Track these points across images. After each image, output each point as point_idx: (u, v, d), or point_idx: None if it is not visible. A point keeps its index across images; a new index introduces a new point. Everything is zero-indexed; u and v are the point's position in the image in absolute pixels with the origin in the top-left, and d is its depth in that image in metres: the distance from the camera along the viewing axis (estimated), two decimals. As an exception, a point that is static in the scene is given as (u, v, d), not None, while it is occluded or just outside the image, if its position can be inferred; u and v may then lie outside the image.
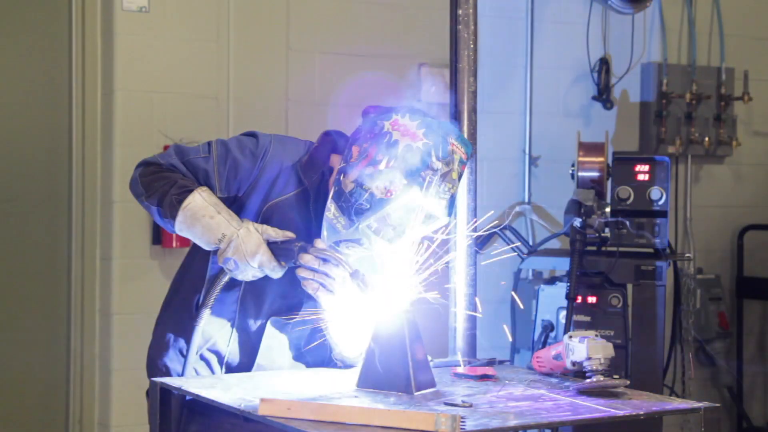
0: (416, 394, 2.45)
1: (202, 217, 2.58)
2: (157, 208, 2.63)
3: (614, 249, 4.42)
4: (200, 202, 2.60)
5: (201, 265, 2.71)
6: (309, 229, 2.68)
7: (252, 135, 2.73)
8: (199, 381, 2.59)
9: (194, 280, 2.72)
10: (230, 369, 2.71)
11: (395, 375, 2.47)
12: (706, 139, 5.76)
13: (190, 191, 2.61)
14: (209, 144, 2.71)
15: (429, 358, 2.61)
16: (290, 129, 4.78)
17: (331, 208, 2.55)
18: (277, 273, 2.59)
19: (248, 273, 2.59)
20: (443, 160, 2.49)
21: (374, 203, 2.49)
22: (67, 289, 4.66)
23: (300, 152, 2.73)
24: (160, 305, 2.82)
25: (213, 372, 2.71)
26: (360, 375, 2.51)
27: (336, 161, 2.65)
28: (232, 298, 2.68)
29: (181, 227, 2.61)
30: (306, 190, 2.69)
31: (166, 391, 2.56)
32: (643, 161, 4.52)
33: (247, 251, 2.56)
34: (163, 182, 2.64)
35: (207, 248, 2.61)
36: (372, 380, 2.48)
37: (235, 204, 2.68)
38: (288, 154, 2.70)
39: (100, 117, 4.55)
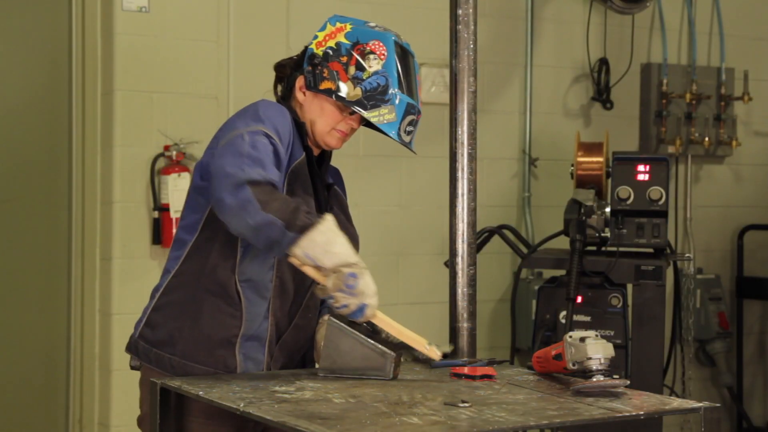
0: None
1: (342, 236, 2.58)
2: (283, 223, 2.53)
3: (614, 249, 4.43)
4: (335, 226, 2.60)
5: (224, 251, 2.72)
6: (316, 191, 2.81)
7: (259, 129, 2.70)
8: (199, 381, 2.59)
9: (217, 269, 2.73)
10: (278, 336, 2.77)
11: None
12: (706, 139, 5.76)
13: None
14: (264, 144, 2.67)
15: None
16: (290, 129, 4.78)
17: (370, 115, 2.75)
18: (362, 320, 2.62)
19: (351, 299, 2.56)
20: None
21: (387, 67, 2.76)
22: (67, 289, 4.66)
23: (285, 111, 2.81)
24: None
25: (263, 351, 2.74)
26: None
27: (309, 113, 2.83)
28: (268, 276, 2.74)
29: (316, 236, 2.54)
30: (309, 150, 2.81)
31: (165, 391, 2.57)
32: (643, 161, 4.51)
33: (370, 284, 2.57)
34: (284, 201, 2.58)
35: (330, 264, 2.55)
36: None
37: None
38: (288, 119, 2.78)
39: (100, 117, 4.55)
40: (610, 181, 4.58)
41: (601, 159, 4.68)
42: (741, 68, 5.88)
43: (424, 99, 5.08)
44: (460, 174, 3.23)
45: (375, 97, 2.77)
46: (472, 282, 3.23)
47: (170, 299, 2.77)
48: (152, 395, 2.59)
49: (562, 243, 4.59)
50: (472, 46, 3.24)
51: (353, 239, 2.81)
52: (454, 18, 3.25)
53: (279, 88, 2.95)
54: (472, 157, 3.24)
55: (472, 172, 3.23)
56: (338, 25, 2.87)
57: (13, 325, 4.65)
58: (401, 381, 2.66)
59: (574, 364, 2.55)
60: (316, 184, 2.83)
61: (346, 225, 2.90)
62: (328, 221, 2.58)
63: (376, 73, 2.77)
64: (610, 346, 2.54)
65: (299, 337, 2.83)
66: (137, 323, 2.83)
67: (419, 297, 4.97)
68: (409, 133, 2.81)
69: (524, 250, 4.81)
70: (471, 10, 3.24)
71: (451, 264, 3.25)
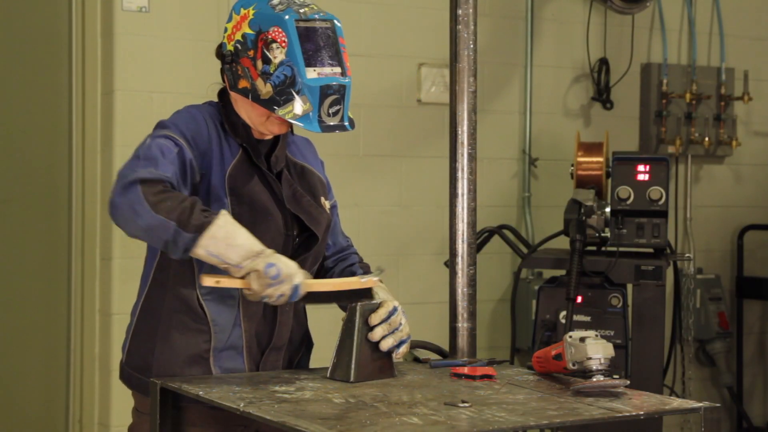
0: (353, 381, 2.61)
1: (242, 228, 2.52)
2: (175, 223, 2.46)
3: (614, 249, 4.43)
4: (232, 219, 2.54)
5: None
6: (267, 181, 2.71)
7: (162, 133, 2.64)
8: (199, 381, 2.59)
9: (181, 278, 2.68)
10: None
11: (344, 363, 2.64)
12: (706, 139, 5.76)
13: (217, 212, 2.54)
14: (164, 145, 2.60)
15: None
16: (290, 129, 4.78)
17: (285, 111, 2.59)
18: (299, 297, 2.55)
19: (281, 287, 2.49)
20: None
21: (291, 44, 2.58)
22: (67, 289, 4.66)
23: (208, 111, 2.74)
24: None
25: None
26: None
27: (243, 112, 2.71)
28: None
29: (216, 231, 2.47)
30: (245, 147, 2.71)
31: (165, 392, 2.57)
32: (643, 161, 4.51)
33: (291, 265, 2.51)
34: (177, 200, 2.50)
35: (238, 258, 2.48)
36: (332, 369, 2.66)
37: (202, 195, 2.64)
38: (201, 122, 2.69)
39: (100, 117, 4.55)
40: (610, 181, 4.58)
41: (601, 159, 4.68)
42: (741, 68, 5.88)
43: (423, 99, 5.15)
44: (460, 174, 3.23)
45: (285, 91, 2.59)
46: (472, 282, 3.23)
47: (142, 324, 2.73)
48: (152, 396, 2.59)
49: (562, 243, 4.59)
50: (472, 46, 3.24)
51: (316, 220, 2.76)
52: (454, 18, 3.25)
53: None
54: (472, 157, 3.24)
55: (472, 172, 3.23)
56: (242, 12, 2.66)
57: (13, 325, 4.65)
58: (401, 381, 2.66)
59: (574, 364, 2.55)
60: (266, 176, 2.72)
61: (309, 207, 2.78)
62: (224, 215, 2.50)
63: (281, 63, 2.58)
64: (610, 346, 2.54)
65: (289, 335, 2.78)
66: (122, 347, 2.80)
67: (419, 297, 4.97)
68: (335, 113, 2.62)
69: (524, 250, 4.81)
70: (471, 10, 3.24)
71: (451, 264, 3.25)
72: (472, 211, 3.24)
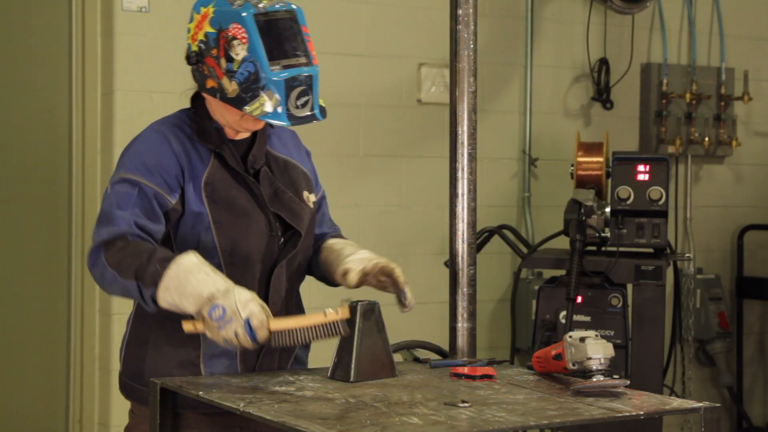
0: (353, 381, 2.60)
1: (198, 272, 2.46)
2: (136, 282, 2.47)
3: (614, 249, 4.42)
4: (195, 260, 2.49)
5: None
6: (246, 184, 2.68)
7: (119, 177, 2.64)
8: (199, 381, 2.59)
9: None
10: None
11: (344, 363, 2.63)
12: (706, 139, 5.76)
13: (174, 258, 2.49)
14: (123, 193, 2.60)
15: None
16: (290, 129, 4.78)
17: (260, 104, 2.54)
18: (261, 332, 2.44)
19: (231, 326, 2.42)
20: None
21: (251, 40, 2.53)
22: (67, 289, 4.66)
23: (174, 123, 2.72)
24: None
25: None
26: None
27: (217, 112, 2.68)
28: None
29: (168, 282, 2.44)
30: (218, 153, 2.68)
31: (165, 392, 2.57)
32: (643, 161, 4.51)
33: (240, 299, 2.43)
34: (135, 256, 2.49)
35: (192, 308, 2.44)
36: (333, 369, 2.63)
37: (182, 213, 2.63)
38: (163, 143, 2.66)
39: (100, 117, 4.55)
40: (610, 181, 4.58)
41: (601, 159, 4.68)
42: (741, 68, 5.88)
43: (423, 99, 5.15)
44: (460, 174, 3.23)
45: (251, 87, 2.54)
46: (472, 282, 3.22)
47: (136, 331, 2.72)
48: (152, 395, 2.59)
49: (562, 243, 4.59)
50: (472, 46, 3.24)
51: (298, 216, 2.73)
52: (454, 18, 3.25)
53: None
54: (472, 157, 3.24)
55: (472, 172, 3.23)
56: (203, 11, 2.61)
57: (13, 325, 4.65)
58: (401, 381, 2.66)
59: (574, 364, 2.55)
60: (244, 178, 2.69)
61: (291, 203, 2.75)
62: (178, 262, 2.45)
63: (244, 60, 2.54)
64: (610, 346, 2.54)
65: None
66: (119, 356, 2.79)
67: (419, 297, 4.92)
68: (303, 104, 2.58)
69: (524, 250, 4.80)
70: (471, 10, 3.24)
71: (451, 264, 3.25)
72: (472, 211, 3.24)
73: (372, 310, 2.67)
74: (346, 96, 4.92)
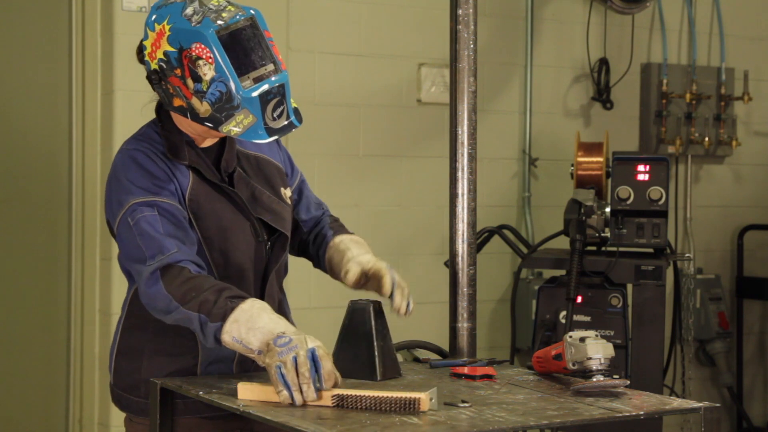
0: (380, 380, 2.60)
1: (271, 313, 2.46)
2: (198, 314, 2.45)
3: (614, 249, 4.43)
4: (267, 305, 2.49)
5: None
6: (225, 193, 2.65)
7: (132, 203, 2.58)
8: (199, 381, 2.59)
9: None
10: None
11: (362, 362, 2.62)
12: (706, 139, 5.76)
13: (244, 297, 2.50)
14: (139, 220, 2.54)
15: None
16: (290, 129, 4.78)
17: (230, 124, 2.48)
18: (326, 362, 2.38)
19: (293, 351, 2.36)
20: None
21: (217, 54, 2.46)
22: (67, 289, 4.66)
23: (147, 142, 2.67)
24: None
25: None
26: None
27: (185, 124, 2.63)
28: None
29: (239, 315, 2.42)
30: (194, 168, 2.64)
31: (165, 392, 2.57)
32: (643, 161, 4.51)
33: (310, 337, 2.41)
34: (202, 290, 2.47)
35: (259, 342, 2.41)
36: (340, 368, 2.50)
37: None
38: (150, 163, 2.61)
39: (100, 117, 4.55)
40: (610, 181, 4.58)
41: (601, 159, 4.68)
42: (741, 68, 5.88)
43: (423, 99, 5.15)
44: (460, 174, 3.23)
45: (224, 107, 2.47)
46: (472, 282, 3.23)
47: (127, 342, 2.70)
48: (152, 395, 2.59)
49: (562, 243, 4.59)
50: (472, 46, 3.24)
51: (280, 217, 2.72)
52: (454, 18, 3.25)
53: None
54: (472, 157, 3.24)
55: (472, 172, 3.23)
56: (157, 28, 2.56)
57: (13, 325, 4.65)
58: (401, 381, 2.66)
59: (574, 364, 2.55)
60: (223, 189, 2.65)
61: (271, 203, 2.73)
62: (254, 300, 2.46)
63: (213, 81, 2.46)
64: (610, 346, 2.54)
65: None
66: (109, 367, 2.76)
67: (419, 297, 4.93)
68: (279, 115, 2.50)
69: (524, 250, 4.81)
70: (471, 10, 3.24)
71: (451, 264, 3.25)
72: (472, 211, 3.24)
73: (380, 309, 2.68)
74: (346, 96, 4.92)
